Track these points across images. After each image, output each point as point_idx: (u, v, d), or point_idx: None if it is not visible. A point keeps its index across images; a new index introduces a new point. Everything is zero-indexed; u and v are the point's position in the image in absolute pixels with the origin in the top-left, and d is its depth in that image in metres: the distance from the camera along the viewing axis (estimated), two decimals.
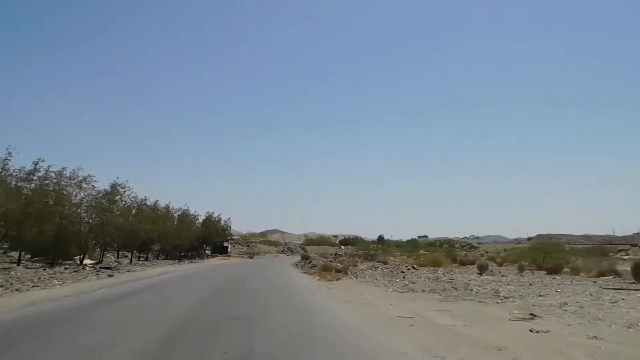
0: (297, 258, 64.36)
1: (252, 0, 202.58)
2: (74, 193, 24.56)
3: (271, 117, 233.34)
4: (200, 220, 54.10)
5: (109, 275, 17.70)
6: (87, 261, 27.99)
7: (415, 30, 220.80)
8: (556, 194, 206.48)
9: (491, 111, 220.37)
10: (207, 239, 54.49)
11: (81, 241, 26.36)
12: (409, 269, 25.60)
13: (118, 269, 21.61)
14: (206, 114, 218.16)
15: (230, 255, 59.07)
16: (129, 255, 38.75)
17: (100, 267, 21.21)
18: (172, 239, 41.20)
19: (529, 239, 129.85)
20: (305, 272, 25.17)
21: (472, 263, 35.92)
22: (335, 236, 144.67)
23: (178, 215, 48.52)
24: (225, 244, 63.01)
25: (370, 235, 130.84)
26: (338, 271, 22.58)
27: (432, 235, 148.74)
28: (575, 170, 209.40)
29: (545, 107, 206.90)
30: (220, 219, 57.75)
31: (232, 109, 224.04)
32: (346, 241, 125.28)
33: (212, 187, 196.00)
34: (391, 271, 23.79)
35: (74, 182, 24.52)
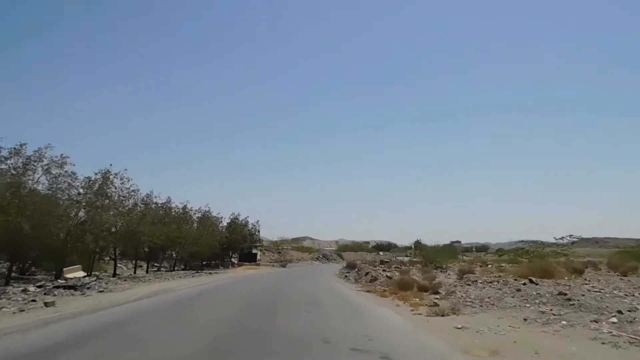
0: (336, 266, 56.26)
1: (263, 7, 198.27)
2: (38, 178, 17.62)
3: (288, 123, 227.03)
4: (225, 223, 47.19)
5: (45, 304, 10.25)
6: (75, 274, 21.14)
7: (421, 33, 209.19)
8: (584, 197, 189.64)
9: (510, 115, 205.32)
10: (232, 245, 47.42)
11: (57, 246, 19.44)
12: (524, 284, 16.91)
13: (89, 287, 14.30)
14: (222, 117, 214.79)
15: (259, 264, 51.68)
16: (145, 265, 32.18)
17: (59, 286, 13.92)
18: (190, 245, 34.15)
19: (573, 243, 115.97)
20: (366, 290, 17.08)
21: (581, 271, 26.44)
22: (367, 242, 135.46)
23: (198, 217, 41.71)
24: (254, 251, 55.88)
25: (401, 241, 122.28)
26: (423, 289, 14.30)
27: (465, 240, 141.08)
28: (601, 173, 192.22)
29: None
30: (248, 222, 50.71)
31: (249, 113, 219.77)
32: (380, 247, 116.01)
33: (234, 192, 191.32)
34: (501, 288, 15.22)
35: (40, 164, 17.64)
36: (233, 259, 50.37)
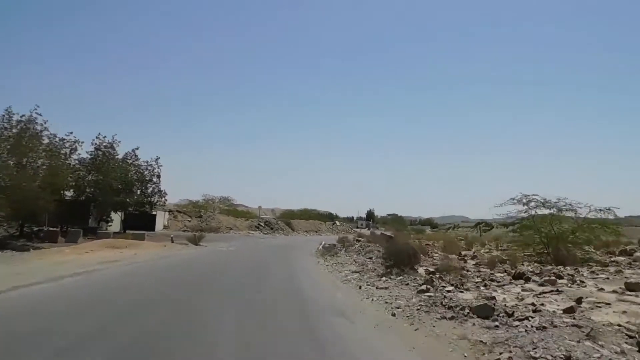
0: (295, 240, 35.82)
1: None
2: None
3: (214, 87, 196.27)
4: (85, 151, 24.21)
5: None
6: None
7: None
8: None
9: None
10: (99, 195, 24.70)
11: None
12: None
13: None
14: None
15: (149, 237, 29.31)
16: None
17: None
18: None
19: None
20: None
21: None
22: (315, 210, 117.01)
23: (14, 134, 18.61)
24: (154, 213, 33.17)
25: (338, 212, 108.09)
26: None
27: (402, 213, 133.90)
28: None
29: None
30: (136, 156, 27.77)
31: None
32: (331, 216, 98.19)
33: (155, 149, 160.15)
34: None
35: None
36: (108, 222, 27.43)
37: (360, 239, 25.70)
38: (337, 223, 71.59)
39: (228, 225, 45.60)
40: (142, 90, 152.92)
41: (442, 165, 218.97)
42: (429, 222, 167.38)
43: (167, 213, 42.68)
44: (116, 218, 28.72)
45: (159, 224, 37.38)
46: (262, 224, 49.20)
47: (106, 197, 24.68)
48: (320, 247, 21.43)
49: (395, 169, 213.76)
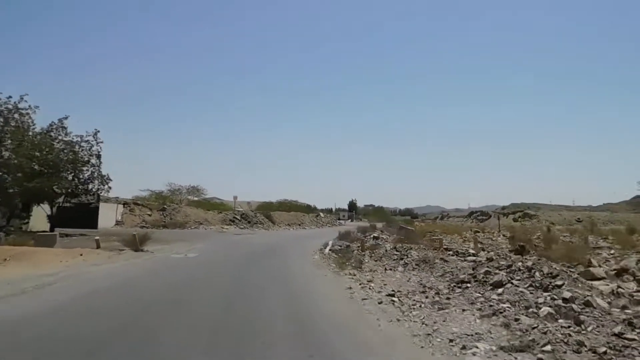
0: (280, 236, 28.68)
1: None
2: None
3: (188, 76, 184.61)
4: None
5: None
6: None
7: None
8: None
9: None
10: (10, 182, 17.30)
11: None
12: None
13: None
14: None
15: (85, 237, 21.86)
16: None
17: None
18: None
19: (504, 207, 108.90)
20: None
21: None
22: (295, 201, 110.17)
23: None
24: (95, 204, 25.65)
25: (316, 203, 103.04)
26: None
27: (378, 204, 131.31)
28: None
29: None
30: (64, 128, 20.33)
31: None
32: (310, 208, 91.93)
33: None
34: None
35: None
36: (24, 220, 19.96)
37: (376, 234, 19.38)
38: (321, 215, 65.29)
39: (197, 220, 38.37)
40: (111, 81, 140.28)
41: (417, 157, 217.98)
42: (410, 213, 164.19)
43: (120, 206, 35.06)
44: (40, 213, 21.15)
45: (107, 220, 29.81)
46: (239, 217, 42.20)
47: (15, 183, 17.25)
48: (328, 250, 14.95)
49: (370, 162, 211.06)
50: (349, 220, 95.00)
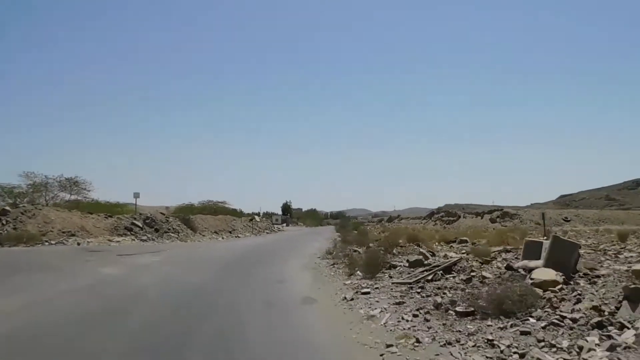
0: (210, 256, 14.86)
1: None
2: None
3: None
4: None
5: None
6: None
7: None
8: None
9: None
10: None
11: None
12: None
13: None
14: None
15: None
16: None
17: None
18: None
19: (439, 209, 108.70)
20: None
21: None
22: (223, 202, 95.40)
23: None
24: None
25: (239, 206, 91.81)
26: None
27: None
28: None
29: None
30: None
31: None
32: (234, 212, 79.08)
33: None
34: None
35: None
36: None
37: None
38: (257, 218, 52.78)
39: (67, 229, 23.92)
40: None
41: (341, 161, 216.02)
42: (341, 216, 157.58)
43: None
44: None
45: None
46: (140, 223, 28.34)
47: None
48: None
49: (294, 166, 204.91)
50: (284, 224, 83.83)
